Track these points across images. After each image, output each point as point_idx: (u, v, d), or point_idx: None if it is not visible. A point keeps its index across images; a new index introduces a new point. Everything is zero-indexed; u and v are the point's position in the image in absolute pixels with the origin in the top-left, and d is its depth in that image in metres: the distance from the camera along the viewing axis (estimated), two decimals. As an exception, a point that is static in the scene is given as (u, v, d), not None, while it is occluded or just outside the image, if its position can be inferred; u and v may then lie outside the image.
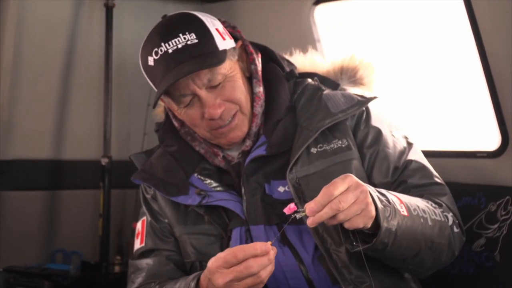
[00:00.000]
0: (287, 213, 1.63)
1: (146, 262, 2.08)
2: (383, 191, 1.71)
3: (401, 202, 1.73)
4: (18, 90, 3.32)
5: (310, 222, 1.57)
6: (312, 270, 1.87)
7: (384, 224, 1.63)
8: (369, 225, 1.62)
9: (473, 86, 2.44)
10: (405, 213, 1.71)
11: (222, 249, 1.89)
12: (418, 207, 1.78)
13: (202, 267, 1.94)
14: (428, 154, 2.37)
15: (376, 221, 1.63)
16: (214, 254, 1.67)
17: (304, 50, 2.28)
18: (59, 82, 3.50)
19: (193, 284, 1.76)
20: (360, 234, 1.68)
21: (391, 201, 1.69)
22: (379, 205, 1.63)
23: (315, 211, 1.55)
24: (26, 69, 3.34)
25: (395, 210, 1.68)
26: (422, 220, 1.76)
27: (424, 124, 2.74)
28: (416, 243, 1.77)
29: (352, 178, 1.59)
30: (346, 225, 1.58)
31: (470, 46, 2.24)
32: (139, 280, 2.06)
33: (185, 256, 2.04)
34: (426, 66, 2.72)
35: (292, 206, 1.63)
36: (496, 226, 2.14)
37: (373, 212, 1.61)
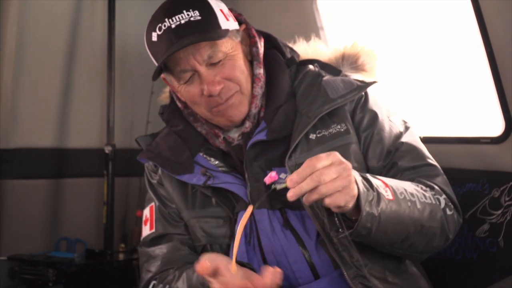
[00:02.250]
0: (267, 183, 1.61)
1: (160, 248, 2.08)
2: (368, 175, 1.70)
3: (386, 185, 1.72)
4: (21, 79, 3.33)
5: (290, 194, 1.54)
6: (314, 254, 1.87)
7: (366, 208, 1.62)
8: (350, 205, 1.60)
9: (476, 72, 2.43)
10: (390, 197, 1.70)
11: (231, 230, 1.93)
12: (405, 190, 1.77)
13: (213, 249, 1.97)
14: (431, 140, 2.38)
15: (359, 206, 1.62)
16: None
17: (307, 38, 2.28)
18: (62, 71, 3.52)
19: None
20: (345, 222, 1.67)
21: (374, 185, 1.67)
22: (362, 188, 1.62)
23: (296, 182, 1.54)
24: (29, 58, 3.35)
25: (378, 194, 1.66)
26: (409, 203, 1.75)
27: (427, 110, 2.74)
28: (403, 227, 1.75)
29: (336, 155, 1.58)
30: (327, 201, 1.56)
31: (474, 31, 2.23)
32: (154, 268, 2.05)
33: (195, 240, 2.04)
34: (430, 52, 2.72)
35: (273, 175, 1.61)
36: (500, 212, 2.14)
37: (355, 191, 1.59)
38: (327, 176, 1.54)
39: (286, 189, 1.57)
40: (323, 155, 1.57)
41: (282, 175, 1.93)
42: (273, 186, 1.61)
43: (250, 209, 1.65)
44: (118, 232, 3.64)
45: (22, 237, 3.36)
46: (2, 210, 3.27)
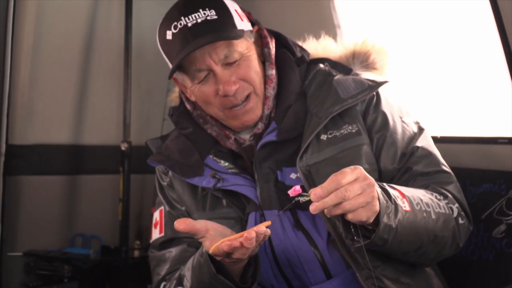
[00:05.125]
0: (291, 195, 1.61)
1: (169, 252, 2.09)
2: (385, 185, 1.69)
3: (404, 196, 1.72)
4: (38, 76, 3.35)
5: (313, 208, 1.54)
6: (326, 254, 1.87)
7: (384, 220, 1.61)
8: (371, 220, 1.60)
9: (494, 71, 2.41)
10: (407, 208, 1.69)
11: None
12: (421, 200, 1.76)
13: None
14: (448, 140, 2.37)
15: (377, 216, 1.61)
16: None
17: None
18: (79, 68, 3.53)
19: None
20: (361, 229, 1.66)
21: (392, 196, 1.67)
22: (382, 200, 1.61)
23: (320, 196, 1.53)
24: (46, 55, 3.37)
25: (396, 206, 1.66)
26: (425, 214, 1.74)
27: (444, 110, 2.72)
28: (418, 238, 1.75)
29: (361, 171, 1.58)
30: (350, 217, 1.56)
31: (492, 30, 2.21)
32: (164, 271, 2.07)
33: (205, 240, 2.04)
34: (446, 50, 2.70)
35: (297, 188, 1.60)
36: (517, 212, 2.13)
37: (377, 207, 1.59)
38: (352, 192, 1.53)
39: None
40: (347, 169, 1.56)
41: (293, 175, 1.92)
42: (296, 199, 1.60)
43: (266, 224, 1.65)
44: (133, 228, 3.65)
45: (37, 233, 3.37)
46: (18, 206, 3.29)
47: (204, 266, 1.76)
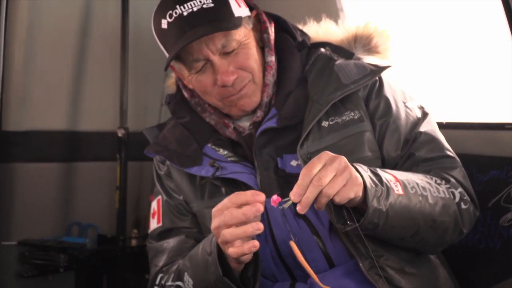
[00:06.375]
0: (275, 206, 1.61)
1: (167, 242, 2.09)
2: (378, 170, 1.70)
3: (397, 180, 1.71)
4: (33, 61, 3.33)
5: (299, 208, 1.55)
6: (328, 242, 1.86)
7: (373, 204, 1.62)
8: (360, 193, 1.60)
9: (501, 55, 2.39)
10: (400, 192, 1.69)
11: None
12: (417, 184, 1.75)
13: None
14: (454, 126, 2.35)
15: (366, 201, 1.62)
16: None
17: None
18: (75, 52, 3.51)
19: (214, 239, 1.74)
20: (355, 214, 1.66)
21: (384, 179, 1.67)
22: (368, 184, 1.61)
23: (300, 194, 1.54)
24: (41, 39, 3.35)
25: (388, 189, 1.66)
26: (420, 198, 1.74)
27: (450, 95, 2.71)
28: (413, 222, 1.74)
29: (327, 154, 1.59)
30: (337, 199, 1.56)
31: (499, 11, 2.20)
32: (161, 262, 2.06)
33: (205, 231, 2.03)
34: (453, 34, 2.68)
35: (275, 198, 1.60)
36: (525, 200, 2.12)
37: (360, 179, 1.60)
38: (326, 177, 1.54)
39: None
40: (314, 159, 1.57)
41: (293, 162, 1.91)
42: (280, 207, 1.61)
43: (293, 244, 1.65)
44: (130, 217, 3.64)
45: (32, 221, 3.35)
46: (13, 194, 3.27)
47: (211, 265, 1.74)
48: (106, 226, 3.55)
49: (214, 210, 1.67)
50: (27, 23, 3.27)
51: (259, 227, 1.59)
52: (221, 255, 1.72)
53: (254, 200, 1.59)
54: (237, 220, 1.60)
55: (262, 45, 2.03)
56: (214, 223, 1.65)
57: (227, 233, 1.61)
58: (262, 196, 1.60)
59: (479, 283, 2.17)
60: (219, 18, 1.86)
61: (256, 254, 1.74)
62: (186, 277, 1.88)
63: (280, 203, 1.60)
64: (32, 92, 3.34)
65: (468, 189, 1.91)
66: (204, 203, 2.01)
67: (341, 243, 1.85)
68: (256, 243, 1.61)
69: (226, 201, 1.64)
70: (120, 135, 3.43)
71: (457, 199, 1.85)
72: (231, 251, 1.62)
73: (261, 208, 1.59)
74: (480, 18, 2.53)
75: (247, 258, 1.68)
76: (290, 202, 1.58)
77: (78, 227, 3.53)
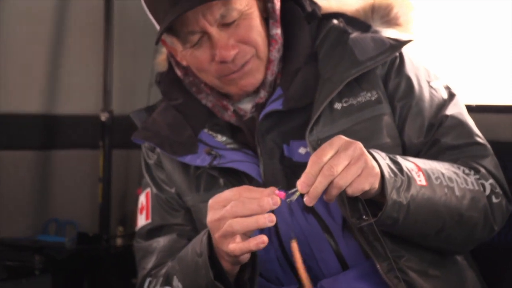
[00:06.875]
0: (282, 198, 1.60)
1: (157, 242, 2.09)
2: (398, 157, 1.69)
3: (420, 169, 1.71)
4: (3, 34, 3.32)
5: (307, 200, 1.54)
6: (341, 241, 1.86)
7: (392, 196, 1.61)
8: (376, 185, 1.59)
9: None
10: (422, 182, 1.69)
11: None
12: (442, 174, 1.75)
13: None
14: (485, 109, 2.35)
15: (384, 192, 1.62)
16: None
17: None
18: (53, 25, 3.51)
19: (205, 237, 1.74)
20: (370, 207, 1.65)
21: (405, 168, 1.66)
22: (386, 173, 1.61)
23: (308, 184, 1.53)
24: (13, 9, 3.34)
25: (409, 179, 1.66)
26: (446, 190, 1.74)
27: (481, 75, 2.71)
28: (437, 217, 1.74)
29: (340, 139, 1.57)
30: (350, 191, 1.55)
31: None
32: (150, 265, 2.06)
33: (201, 228, 2.01)
34: (486, 6, 2.68)
35: (277, 192, 1.59)
36: None
37: (377, 169, 1.59)
38: (339, 165, 1.53)
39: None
40: (325, 145, 1.56)
41: (302, 150, 1.91)
42: (287, 200, 1.60)
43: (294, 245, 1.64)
44: (115, 213, 3.65)
45: (4, 218, 3.36)
46: (-19, 187, 3.29)
47: (201, 268, 1.74)
48: (87, 223, 3.56)
49: (212, 201, 1.65)
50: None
51: (272, 218, 1.57)
52: (212, 256, 1.72)
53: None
54: (250, 212, 1.57)
55: (266, 16, 2.02)
56: (214, 215, 1.62)
57: (235, 222, 1.58)
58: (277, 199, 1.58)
59: (512, 288, 2.18)
60: None
61: (254, 254, 1.73)
62: (176, 281, 1.88)
63: (287, 196, 1.59)
64: (2, 71, 3.34)
65: (500, 181, 1.90)
66: (199, 196, 2.01)
67: (356, 241, 1.85)
68: (264, 238, 1.58)
69: (230, 193, 1.62)
70: (103, 119, 3.44)
71: (487, 191, 1.84)
72: (233, 247, 1.60)
73: (278, 201, 1.58)
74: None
75: (245, 258, 1.67)
76: (297, 194, 1.57)
77: (56, 224, 3.54)
